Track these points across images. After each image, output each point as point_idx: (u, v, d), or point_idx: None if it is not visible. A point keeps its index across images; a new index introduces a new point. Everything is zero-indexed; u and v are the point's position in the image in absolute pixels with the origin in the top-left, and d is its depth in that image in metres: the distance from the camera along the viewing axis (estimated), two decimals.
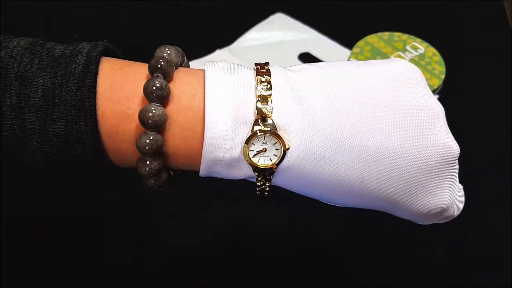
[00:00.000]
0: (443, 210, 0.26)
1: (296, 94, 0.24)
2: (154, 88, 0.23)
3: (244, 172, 0.25)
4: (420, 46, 0.46)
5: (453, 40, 0.55)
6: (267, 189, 0.26)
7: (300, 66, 0.26)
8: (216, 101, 0.23)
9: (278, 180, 0.25)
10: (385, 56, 0.45)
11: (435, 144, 0.24)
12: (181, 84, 0.24)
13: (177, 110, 0.24)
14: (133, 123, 0.23)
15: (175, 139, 0.24)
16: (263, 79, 0.24)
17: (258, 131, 0.23)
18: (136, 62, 0.25)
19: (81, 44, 0.24)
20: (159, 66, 0.23)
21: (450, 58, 0.47)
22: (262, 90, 0.24)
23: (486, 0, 0.61)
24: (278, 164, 0.24)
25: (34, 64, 0.23)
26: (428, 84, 0.43)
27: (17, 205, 0.42)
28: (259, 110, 0.23)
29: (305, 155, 0.24)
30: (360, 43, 0.46)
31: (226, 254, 0.40)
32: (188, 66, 0.27)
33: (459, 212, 0.27)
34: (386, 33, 0.47)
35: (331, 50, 0.55)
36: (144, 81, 0.23)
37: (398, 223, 0.29)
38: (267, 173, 0.24)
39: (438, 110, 0.25)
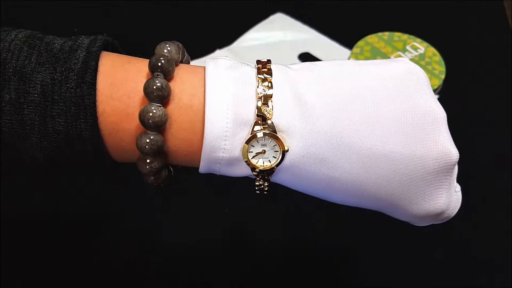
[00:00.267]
0: (439, 213, 0.26)
1: (297, 94, 0.24)
2: (154, 88, 0.22)
3: (243, 171, 0.25)
4: (420, 46, 0.46)
5: (453, 40, 0.55)
6: (266, 188, 0.26)
7: (301, 64, 0.26)
8: (216, 101, 0.23)
9: (277, 179, 0.25)
10: (385, 56, 0.45)
11: (435, 151, 0.24)
12: (181, 83, 0.24)
13: (177, 110, 0.24)
14: (134, 122, 0.23)
15: (175, 138, 0.24)
16: (264, 78, 0.24)
17: (257, 134, 0.23)
18: (136, 58, 0.25)
19: (80, 38, 0.24)
20: (159, 64, 0.23)
21: (450, 58, 0.47)
22: (263, 90, 0.23)
23: (486, 0, 0.61)
24: (277, 165, 0.24)
25: (32, 58, 0.23)
26: None
27: (17, 204, 0.42)
28: (259, 111, 0.23)
29: (304, 157, 0.24)
30: (360, 43, 0.46)
31: (226, 254, 0.40)
32: (189, 62, 0.27)
33: (454, 213, 0.27)
34: (386, 33, 0.47)
35: (331, 50, 0.55)
36: (144, 79, 0.23)
37: (398, 223, 0.29)
38: (266, 173, 0.25)
39: (440, 115, 0.25)
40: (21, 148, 0.23)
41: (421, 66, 0.45)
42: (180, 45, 0.25)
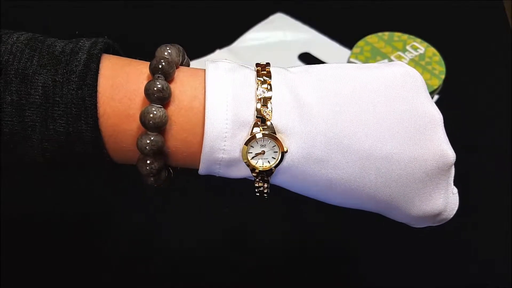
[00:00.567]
0: (437, 215, 0.26)
1: (296, 96, 0.24)
2: (155, 89, 0.23)
3: (242, 172, 0.25)
4: (420, 46, 0.46)
5: (453, 40, 0.55)
6: (266, 190, 0.26)
7: (300, 67, 0.26)
8: (216, 103, 0.23)
9: (277, 180, 0.25)
10: (385, 56, 0.45)
11: (433, 152, 0.24)
12: (182, 85, 0.24)
13: (178, 111, 0.24)
14: (134, 123, 0.23)
15: (175, 139, 0.24)
16: (264, 81, 0.24)
17: (257, 135, 0.23)
18: (137, 60, 0.25)
19: (82, 41, 0.24)
20: (160, 67, 0.23)
21: (450, 58, 0.47)
22: (262, 92, 0.24)
23: (486, 0, 0.61)
24: (276, 166, 0.24)
25: (34, 61, 0.23)
26: (428, 84, 0.43)
27: (17, 204, 0.42)
28: (258, 112, 0.23)
29: (303, 158, 0.24)
30: (360, 43, 0.46)
31: (226, 254, 0.40)
32: (189, 65, 0.28)
33: (452, 215, 0.27)
34: (386, 33, 0.47)
35: (331, 50, 0.55)
36: (145, 81, 0.23)
37: (398, 223, 0.29)
38: (265, 174, 0.25)
39: (437, 116, 0.25)
40: (22, 149, 0.23)
41: (421, 66, 0.45)
42: (181, 48, 0.26)
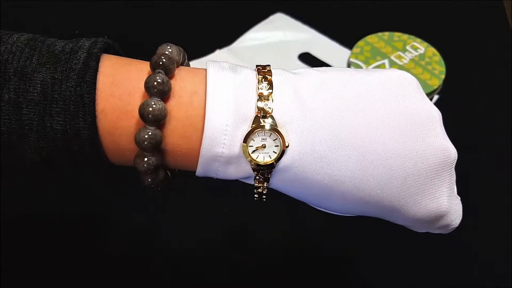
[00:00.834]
0: (441, 216, 0.25)
1: (297, 93, 0.24)
2: (155, 83, 0.23)
3: (242, 170, 0.25)
4: (420, 46, 0.46)
5: (453, 40, 0.55)
6: (265, 191, 0.25)
7: (301, 69, 0.26)
8: (217, 97, 0.23)
9: (276, 181, 0.25)
10: (385, 56, 0.45)
11: (435, 147, 0.24)
12: (182, 81, 0.24)
13: (177, 106, 0.24)
14: (133, 119, 0.23)
15: (175, 135, 0.24)
16: (264, 78, 0.24)
17: (258, 126, 0.23)
18: (137, 60, 0.25)
19: (82, 41, 0.24)
20: (160, 63, 0.23)
21: (450, 58, 0.47)
22: (263, 88, 0.24)
23: (486, 0, 0.61)
24: (277, 160, 0.24)
25: (34, 59, 0.23)
26: (428, 84, 0.43)
27: (17, 204, 0.42)
28: (259, 107, 0.23)
29: (305, 153, 0.24)
30: (360, 43, 0.46)
31: (226, 254, 0.40)
32: (189, 66, 0.27)
33: (457, 222, 0.26)
34: (386, 33, 0.47)
35: (331, 50, 0.55)
36: (145, 78, 0.23)
37: (398, 224, 0.29)
38: (266, 171, 0.24)
39: (436, 114, 0.25)
40: (20, 148, 0.23)
41: (421, 66, 0.45)
42: (181, 49, 0.26)
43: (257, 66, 0.25)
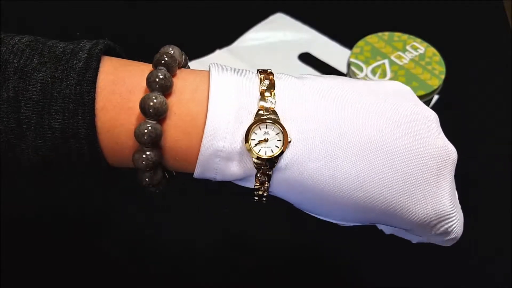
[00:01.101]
0: (442, 218, 0.25)
1: (299, 93, 0.24)
2: (157, 78, 0.23)
3: (243, 167, 0.24)
4: (420, 46, 0.46)
5: (453, 40, 0.55)
6: (265, 193, 0.25)
7: (302, 74, 0.27)
8: (220, 93, 0.23)
9: (276, 181, 0.25)
10: (385, 56, 0.45)
11: (436, 146, 0.25)
12: (183, 79, 0.24)
13: (178, 102, 0.24)
14: (133, 115, 0.23)
15: (175, 130, 0.24)
16: (266, 77, 0.25)
17: (260, 119, 0.23)
18: (138, 62, 0.25)
19: (83, 42, 0.24)
20: (163, 61, 0.24)
21: (450, 58, 0.47)
22: (265, 85, 0.24)
23: (486, 0, 0.61)
24: (279, 155, 0.24)
25: (34, 59, 0.23)
26: (428, 84, 0.43)
27: (17, 204, 0.42)
28: (262, 103, 0.24)
29: (306, 150, 0.24)
30: (360, 43, 0.46)
31: (226, 254, 0.40)
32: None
33: (459, 230, 0.26)
34: (386, 33, 0.47)
35: (331, 50, 0.55)
36: (147, 74, 0.23)
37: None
38: (268, 166, 0.24)
39: (434, 117, 0.26)
40: (17, 148, 0.23)
41: (421, 66, 0.45)
42: (183, 52, 0.26)
43: (258, 70, 0.26)
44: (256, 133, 0.24)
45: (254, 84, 0.24)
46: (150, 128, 0.22)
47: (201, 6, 0.60)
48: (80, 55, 0.23)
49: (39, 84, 0.23)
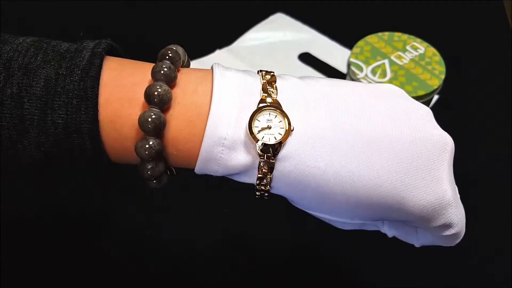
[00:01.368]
0: (444, 205, 0.25)
1: (299, 88, 0.25)
2: (161, 71, 0.23)
3: (246, 156, 0.24)
4: (420, 46, 0.46)
5: (453, 40, 0.55)
6: (268, 187, 0.25)
7: (303, 76, 0.27)
8: (224, 85, 0.24)
9: (279, 174, 0.24)
10: (385, 56, 0.45)
11: (434, 134, 0.25)
12: (187, 75, 0.25)
13: (183, 94, 0.24)
14: (137, 106, 0.24)
15: (178, 120, 0.24)
16: (268, 73, 0.26)
17: (264, 106, 0.24)
18: (141, 61, 0.26)
19: (86, 42, 0.25)
20: (167, 57, 0.24)
21: (450, 58, 0.47)
22: (267, 79, 0.25)
23: (486, 0, 0.61)
24: (282, 141, 0.24)
25: (39, 57, 0.23)
26: (428, 84, 0.43)
27: (17, 204, 0.42)
28: (265, 91, 0.24)
29: (309, 138, 0.24)
30: (360, 43, 0.46)
31: (226, 254, 0.40)
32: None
33: (461, 225, 0.26)
34: (386, 33, 0.47)
35: (331, 50, 0.55)
36: (152, 66, 0.24)
37: None
38: (271, 154, 0.24)
39: (428, 110, 0.27)
40: (19, 145, 0.23)
41: (421, 66, 0.45)
42: (186, 53, 0.26)
43: (259, 70, 0.26)
44: (259, 120, 0.24)
45: (256, 80, 0.25)
46: (154, 116, 0.23)
47: (201, 6, 0.60)
48: (84, 53, 0.24)
49: (42, 80, 0.23)
